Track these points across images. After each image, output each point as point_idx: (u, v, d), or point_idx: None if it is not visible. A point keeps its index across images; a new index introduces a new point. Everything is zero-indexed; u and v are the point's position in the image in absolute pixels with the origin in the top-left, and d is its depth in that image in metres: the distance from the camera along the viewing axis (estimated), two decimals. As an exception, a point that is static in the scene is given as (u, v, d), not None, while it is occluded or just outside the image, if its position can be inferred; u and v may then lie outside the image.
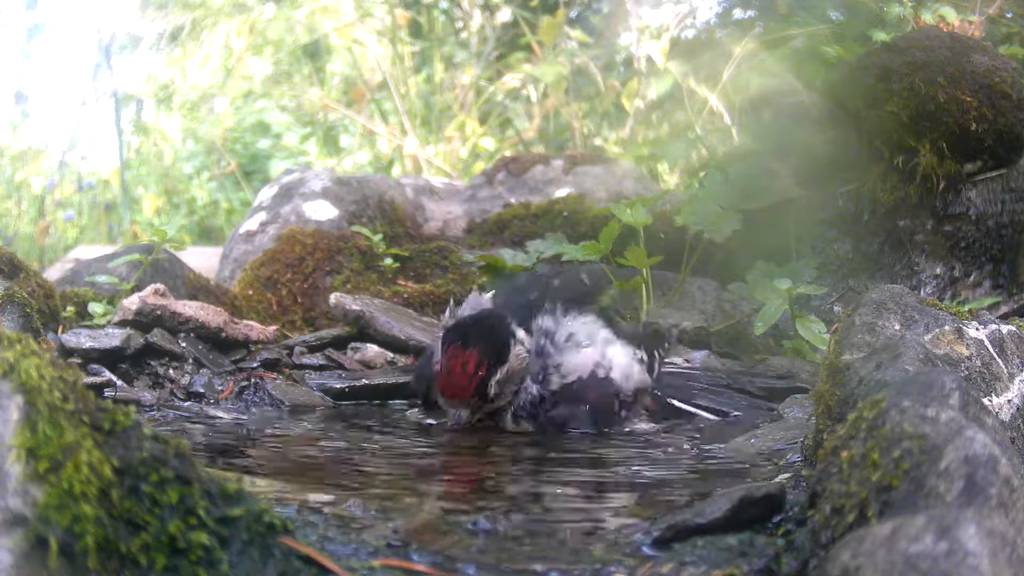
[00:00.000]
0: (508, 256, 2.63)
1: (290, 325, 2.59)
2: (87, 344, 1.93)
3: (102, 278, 2.31)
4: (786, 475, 1.23)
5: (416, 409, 1.88)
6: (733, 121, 3.59)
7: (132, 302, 2.07)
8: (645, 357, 1.75)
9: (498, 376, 1.60)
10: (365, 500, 1.08)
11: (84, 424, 0.73)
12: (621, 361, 1.70)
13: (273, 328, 2.27)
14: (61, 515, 0.66)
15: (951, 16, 2.98)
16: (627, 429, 1.70)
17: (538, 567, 0.85)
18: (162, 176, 6.18)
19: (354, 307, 2.25)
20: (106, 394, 1.84)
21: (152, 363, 2.00)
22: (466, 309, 1.76)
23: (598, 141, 5.14)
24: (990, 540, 0.63)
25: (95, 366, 1.92)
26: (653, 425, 1.73)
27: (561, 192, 3.18)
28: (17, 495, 0.65)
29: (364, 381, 2.02)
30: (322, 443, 1.58)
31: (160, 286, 2.15)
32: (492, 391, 1.60)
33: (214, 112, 6.32)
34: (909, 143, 2.56)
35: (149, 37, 6.10)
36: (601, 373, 1.67)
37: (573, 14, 5.71)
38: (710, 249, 2.48)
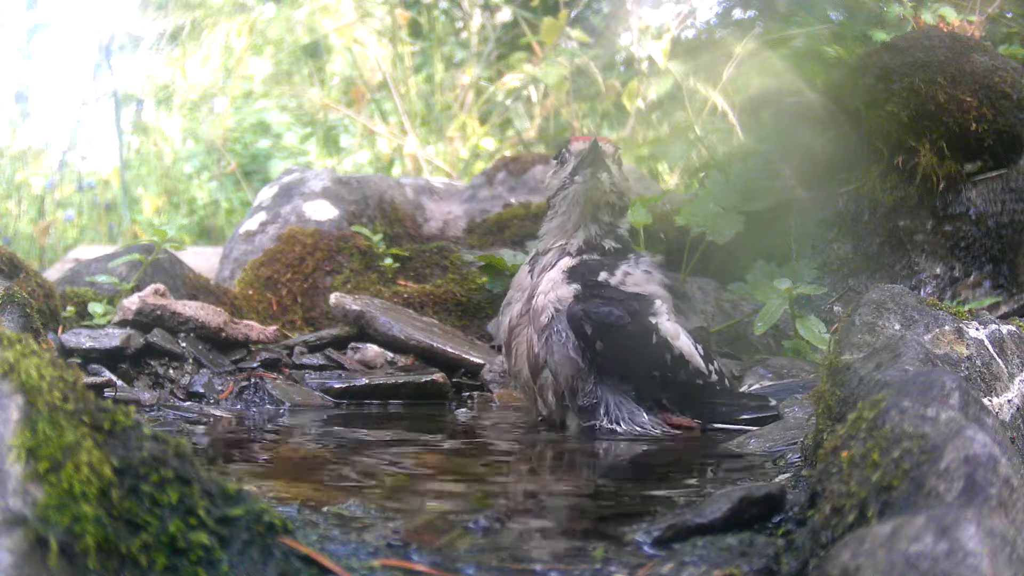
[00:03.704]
0: (508, 256, 2.62)
1: (290, 325, 2.59)
2: (87, 344, 1.93)
3: (102, 278, 2.31)
4: (786, 475, 1.23)
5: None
6: (736, 121, 3.59)
7: (132, 302, 2.07)
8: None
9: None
10: (365, 500, 1.08)
11: (84, 424, 0.73)
12: (673, 326, 1.71)
13: (273, 328, 2.27)
14: (61, 515, 0.66)
15: (951, 16, 2.97)
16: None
17: (538, 567, 0.85)
18: (162, 176, 6.18)
19: (354, 307, 2.25)
20: (106, 394, 1.84)
21: (152, 363, 2.00)
22: None
23: (598, 141, 5.12)
24: (990, 540, 0.63)
25: (95, 366, 1.93)
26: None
27: (561, 192, 3.17)
28: (17, 495, 0.65)
29: (364, 381, 2.02)
30: (322, 443, 1.58)
31: (160, 286, 2.15)
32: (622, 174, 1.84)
33: (214, 112, 6.32)
34: (909, 143, 2.57)
35: (149, 37, 6.10)
36: (644, 302, 1.71)
37: (573, 14, 5.70)
38: (710, 249, 2.48)
